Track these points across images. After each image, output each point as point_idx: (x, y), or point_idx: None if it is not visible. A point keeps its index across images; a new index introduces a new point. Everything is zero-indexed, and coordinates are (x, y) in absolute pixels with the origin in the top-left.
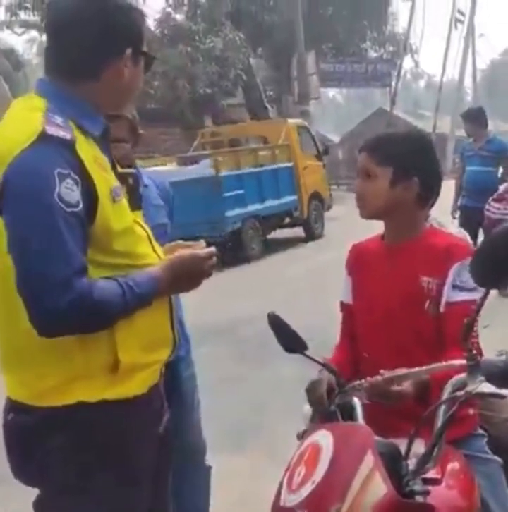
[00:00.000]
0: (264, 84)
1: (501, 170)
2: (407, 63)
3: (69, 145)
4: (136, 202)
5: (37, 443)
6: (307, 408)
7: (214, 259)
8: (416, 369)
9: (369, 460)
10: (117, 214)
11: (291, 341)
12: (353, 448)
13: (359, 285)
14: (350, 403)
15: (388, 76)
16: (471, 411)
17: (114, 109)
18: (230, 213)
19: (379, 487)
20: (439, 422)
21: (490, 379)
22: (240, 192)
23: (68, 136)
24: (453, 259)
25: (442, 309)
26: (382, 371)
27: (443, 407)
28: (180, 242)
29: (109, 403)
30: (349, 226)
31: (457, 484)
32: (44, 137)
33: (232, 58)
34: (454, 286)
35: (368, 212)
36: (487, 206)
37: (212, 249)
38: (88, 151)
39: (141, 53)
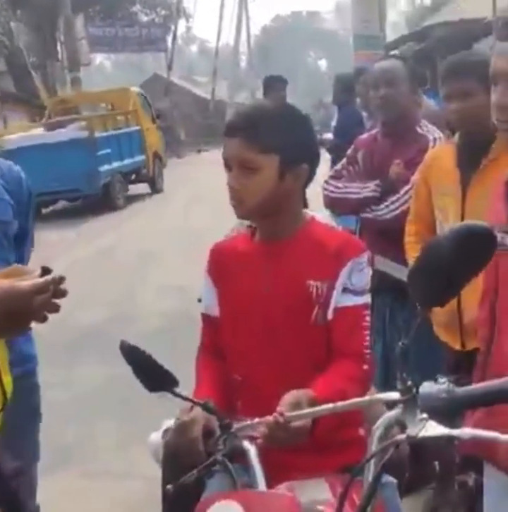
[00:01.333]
0: (27, 49)
1: None
2: (180, 27)
3: None
4: None
5: None
6: (155, 438)
7: (50, 290)
8: (329, 405)
9: None
10: None
11: (154, 377)
12: None
13: (227, 293)
14: (240, 447)
15: (163, 41)
16: (362, 432)
17: None
18: (102, 169)
19: None
20: (369, 475)
21: (432, 416)
22: (108, 151)
23: None
24: (344, 259)
25: (329, 316)
26: (279, 409)
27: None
28: (17, 267)
29: None
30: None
31: None
32: None
33: None
34: (345, 289)
35: (249, 211)
36: (324, 185)
37: (46, 278)
38: None
39: None
